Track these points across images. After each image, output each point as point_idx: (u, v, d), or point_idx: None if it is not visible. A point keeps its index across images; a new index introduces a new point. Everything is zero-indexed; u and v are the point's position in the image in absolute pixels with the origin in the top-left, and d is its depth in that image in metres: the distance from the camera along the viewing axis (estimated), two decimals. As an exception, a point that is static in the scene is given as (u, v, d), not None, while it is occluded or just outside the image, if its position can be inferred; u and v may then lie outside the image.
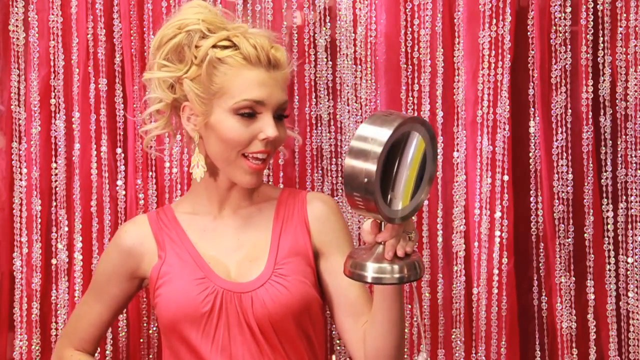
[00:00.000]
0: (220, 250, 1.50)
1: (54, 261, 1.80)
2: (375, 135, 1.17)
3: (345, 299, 1.48)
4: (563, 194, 1.75)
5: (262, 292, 1.44)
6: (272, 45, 1.45)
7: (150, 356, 1.81)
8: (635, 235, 1.74)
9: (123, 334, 1.80)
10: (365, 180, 1.16)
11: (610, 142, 1.74)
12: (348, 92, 1.78)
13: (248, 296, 1.44)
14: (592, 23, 1.72)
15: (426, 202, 1.77)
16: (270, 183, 1.79)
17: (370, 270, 1.27)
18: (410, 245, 1.28)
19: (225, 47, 1.43)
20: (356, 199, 1.19)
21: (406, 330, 1.79)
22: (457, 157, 1.77)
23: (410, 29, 1.76)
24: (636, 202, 1.73)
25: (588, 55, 1.72)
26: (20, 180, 1.79)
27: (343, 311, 1.49)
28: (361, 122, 1.78)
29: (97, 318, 1.56)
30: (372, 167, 1.16)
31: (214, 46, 1.43)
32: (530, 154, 1.76)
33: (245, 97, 1.41)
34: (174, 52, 1.46)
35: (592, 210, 1.74)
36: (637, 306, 1.75)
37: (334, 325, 1.77)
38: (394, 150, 1.20)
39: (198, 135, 1.46)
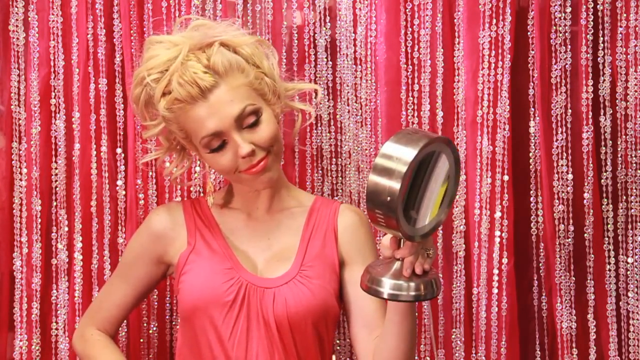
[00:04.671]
0: (249, 247, 1.54)
1: (54, 261, 1.80)
2: (400, 155, 1.18)
3: (363, 310, 1.50)
4: (563, 194, 1.75)
5: (285, 290, 1.47)
6: (211, 55, 1.43)
7: (150, 356, 1.81)
8: (635, 235, 1.74)
9: (123, 334, 1.80)
10: (389, 198, 1.18)
11: (610, 142, 1.73)
12: (348, 92, 1.78)
13: (271, 292, 1.47)
14: (592, 23, 1.71)
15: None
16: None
17: (387, 286, 1.28)
18: (428, 262, 1.29)
19: (165, 94, 1.44)
20: (377, 215, 1.20)
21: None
22: (457, 157, 1.76)
23: (410, 29, 1.76)
24: (636, 202, 1.73)
25: (588, 55, 1.72)
26: (20, 180, 1.79)
27: (359, 322, 1.51)
28: (361, 122, 1.78)
29: (122, 299, 1.59)
30: (396, 185, 1.17)
31: (163, 95, 1.44)
32: (530, 154, 1.76)
33: (201, 135, 1.44)
34: (149, 108, 1.50)
35: (592, 210, 1.74)
36: (637, 306, 1.75)
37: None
38: (416, 169, 1.21)
39: (208, 165, 1.54)
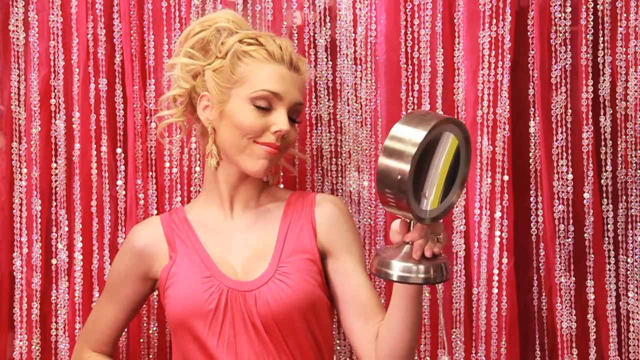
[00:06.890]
0: (228, 250, 1.52)
1: (54, 261, 1.80)
2: (410, 136, 1.19)
3: (355, 300, 1.49)
4: (563, 194, 1.75)
5: (265, 291, 1.45)
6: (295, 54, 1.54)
7: (150, 356, 1.81)
8: (635, 235, 1.74)
9: (123, 334, 1.80)
10: (399, 177, 1.18)
11: (610, 142, 1.73)
12: (348, 92, 1.78)
13: (252, 295, 1.46)
14: (592, 23, 1.71)
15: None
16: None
17: (396, 268, 1.28)
18: (438, 247, 1.29)
19: (251, 44, 1.50)
20: (388, 196, 1.21)
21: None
22: (457, 157, 1.76)
23: (410, 29, 1.76)
24: (636, 202, 1.73)
25: (588, 55, 1.72)
26: (20, 180, 1.79)
27: (352, 312, 1.50)
28: (361, 122, 1.78)
29: (113, 319, 1.60)
30: (405, 166, 1.18)
31: (240, 41, 1.50)
32: (530, 154, 1.76)
33: (264, 87, 1.47)
34: (199, 45, 1.53)
35: (592, 210, 1.74)
36: (637, 306, 1.75)
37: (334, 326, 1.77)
38: (427, 150, 1.21)
39: (212, 127, 1.51)
